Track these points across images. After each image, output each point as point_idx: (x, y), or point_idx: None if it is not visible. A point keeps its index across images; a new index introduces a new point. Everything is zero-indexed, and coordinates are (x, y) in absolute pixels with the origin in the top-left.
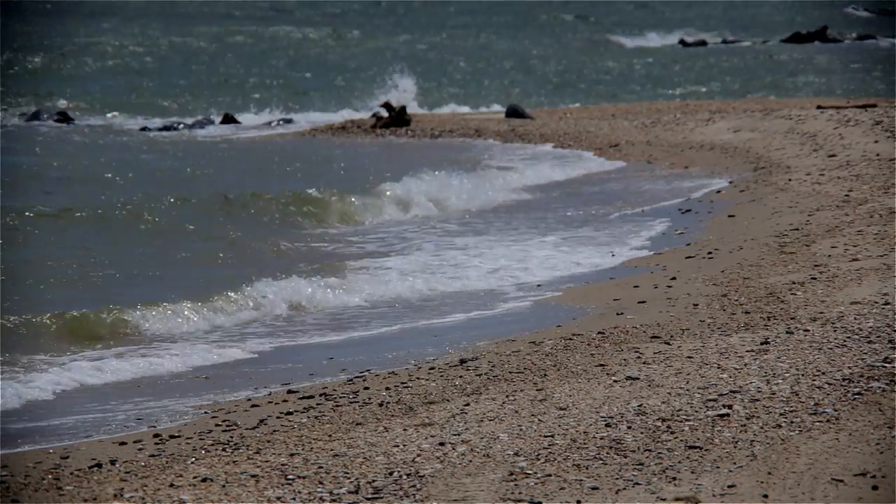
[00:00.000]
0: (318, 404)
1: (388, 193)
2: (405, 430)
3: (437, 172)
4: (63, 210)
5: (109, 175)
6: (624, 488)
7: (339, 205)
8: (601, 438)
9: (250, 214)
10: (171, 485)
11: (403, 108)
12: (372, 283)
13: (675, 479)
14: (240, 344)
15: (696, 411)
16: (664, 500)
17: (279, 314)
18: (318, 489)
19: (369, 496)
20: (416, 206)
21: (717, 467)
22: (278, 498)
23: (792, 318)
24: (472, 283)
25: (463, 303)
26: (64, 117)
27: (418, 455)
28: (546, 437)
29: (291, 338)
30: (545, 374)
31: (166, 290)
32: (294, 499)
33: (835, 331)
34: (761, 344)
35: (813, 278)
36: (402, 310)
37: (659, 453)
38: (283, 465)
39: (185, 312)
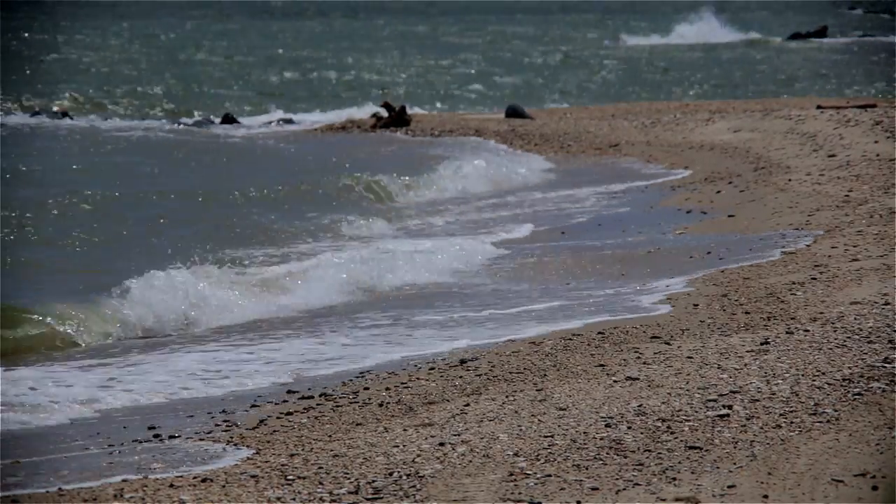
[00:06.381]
0: (318, 405)
1: None
2: (405, 430)
3: None
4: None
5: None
6: (624, 488)
7: None
8: (601, 439)
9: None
10: (171, 485)
11: (403, 108)
12: None
13: (675, 479)
14: None
15: (696, 412)
16: (664, 500)
17: None
18: (318, 489)
19: (369, 496)
20: None
21: (717, 467)
22: (278, 498)
23: (792, 319)
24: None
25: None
26: (64, 116)
27: (418, 455)
28: (546, 437)
29: None
30: (545, 375)
31: None
32: (294, 499)
33: (835, 331)
34: (761, 344)
35: (813, 278)
36: None
37: (659, 454)
38: (283, 465)
39: None
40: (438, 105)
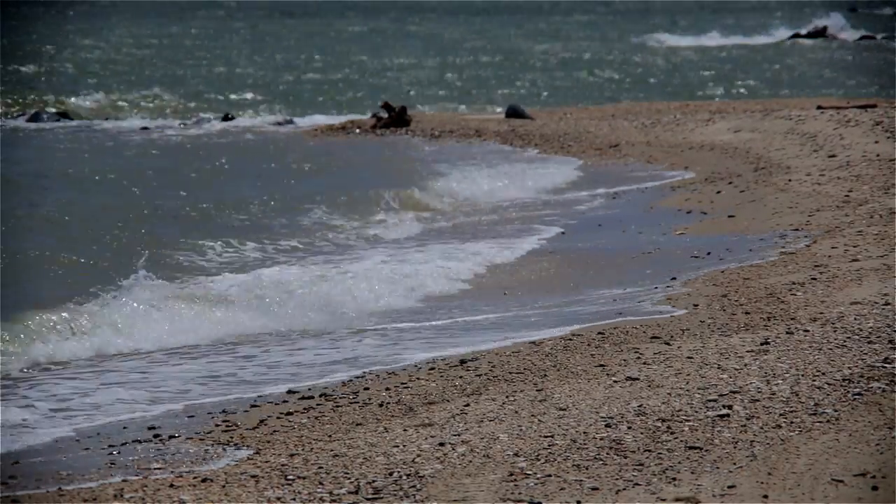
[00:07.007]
0: (318, 405)
1: None
2: (405, 430)
3: None
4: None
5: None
6: (624, 489)
7: None
8: (601, 439)
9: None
10: (171, 485)
11: (404, 109)
12: None
13: (675, 479)
14: None
15: (696, 412)
16: (664, 500)
17: None
18: (318, 489)
19: (369, 496)
20: None
21: (717, 468)
22: (278, 498)
23: (792, 319)
24: None
25: None
26: (64, 117)
27: (418, 455)
28: (546, 437)
29: None
30: (545, 375)
31: None
32: (294, 499)
33: (835, 331)
34: (761, 344)
35: (813, 279)
36: None
37: (659, 454)
38: (283, 465)
39: None
40: (455, 107)
